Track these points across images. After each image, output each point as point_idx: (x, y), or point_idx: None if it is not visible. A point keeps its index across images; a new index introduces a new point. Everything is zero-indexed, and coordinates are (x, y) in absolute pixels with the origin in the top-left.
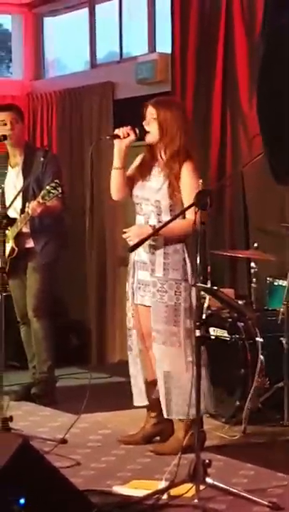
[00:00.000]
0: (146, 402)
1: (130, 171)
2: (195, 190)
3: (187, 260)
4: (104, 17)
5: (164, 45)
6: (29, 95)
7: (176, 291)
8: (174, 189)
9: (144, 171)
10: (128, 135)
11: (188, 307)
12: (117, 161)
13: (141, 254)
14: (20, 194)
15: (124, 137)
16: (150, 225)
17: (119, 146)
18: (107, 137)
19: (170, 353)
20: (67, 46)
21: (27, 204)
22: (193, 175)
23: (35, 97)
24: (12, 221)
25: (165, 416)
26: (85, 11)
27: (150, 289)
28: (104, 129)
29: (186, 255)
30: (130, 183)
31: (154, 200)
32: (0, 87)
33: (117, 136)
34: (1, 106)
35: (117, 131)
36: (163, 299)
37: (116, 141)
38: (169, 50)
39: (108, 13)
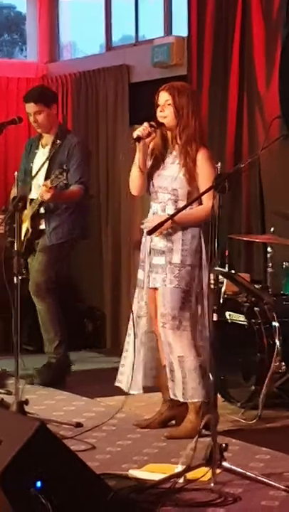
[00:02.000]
0: (141, 391)
1: (148, 165)
2: (211, 176)
3: (203, 246)
4: (120, 0)
5: (180, 28)
6: (44, 78)
7: (192, 277)
8: (190, 176)
9: (158, 160)
10: (149, 133)
11: (200, 292)
12: (141, 163)
13: (156, 243)
14: (43, 175)
15: (147, 137)
16: (168, 214)
17: (142, 148)
18: (132, 143)
19: (182, 337)
20: (82, 29)
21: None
22: (210, 162)
23: (49, 79)
24: (31, 202)
25: (181, 400)
26: None
27: (165, 276)
28: (119, 112)
29: (203, 241)
30: (150, 177)
31: (171, 188)
32: (15, 69)
33: (141, 139)
34: (25, 96)
35: (138, 133)
36: (180, 285)
37: (140, 143)
38: (185, 34)
39: None
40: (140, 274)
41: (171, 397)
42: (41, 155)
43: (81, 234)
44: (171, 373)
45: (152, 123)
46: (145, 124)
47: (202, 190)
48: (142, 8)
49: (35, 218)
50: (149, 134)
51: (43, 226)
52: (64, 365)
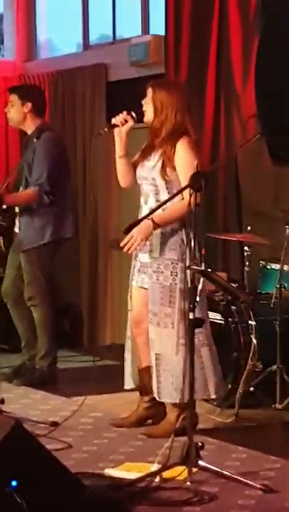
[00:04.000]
0: (133, 386)
1: (136, 156)
2: (191, 166)
3: (185, 241)
4: None
5: (158, 26)
6: (21, 76)
7: (172, 272)
8: (165, 169)
9: (146, 153)
10: (126, 121)
11: (184, 288)
12: (119, 150)
13: None
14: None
15: (123, 125)
16: (149, 208)
17: (119, 135)
18: (106, 130)
19: (162, 334)
20: (59, 28)
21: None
22: (190, 151)
23: (27, 78)
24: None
25: (157, 399)
26: None
27: (148, 271)
28: (97, 111)
29: (184, 235)
30: (136, 167)
31: (150, 178)
32: None
33: (116, 126)
34: (9, 87)
35: (114, 121)
36: (159, 279)
37: (115, 130)
38: (162, 32)
39: None
40: (131, 270)
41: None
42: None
43: (60, 235)
44: (151, 370)
45: (132, 113)
46: (124, 112)
47: (182, 181)
48: (119, 7)
49: (2, 214)
50: (125, 122)
51: (16, 229)
52: (45, 376)
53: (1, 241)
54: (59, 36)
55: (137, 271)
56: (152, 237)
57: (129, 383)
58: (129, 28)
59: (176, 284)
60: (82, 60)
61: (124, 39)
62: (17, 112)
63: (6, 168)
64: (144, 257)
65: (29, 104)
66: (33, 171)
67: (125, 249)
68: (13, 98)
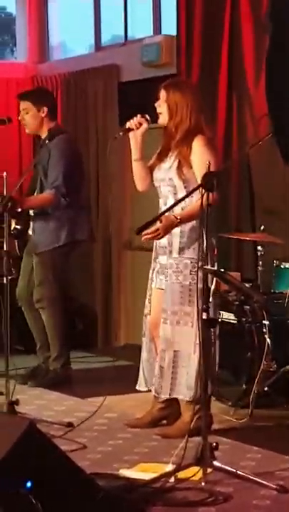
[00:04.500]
0: (145, 388)
1: (152, 159)
2: (206, 162)
3: (205, 238)
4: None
5: (170, 27)
6: (33, 78)
7: (191, 271)
8: (182, 169)
9: (162, 155)
10: (140, 124)
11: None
12: (135, 153)
13: (161, 240)
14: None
15: (138, 128)
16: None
17: (134, 138)
18: (121, 134)
19: (182, 332)
20: (71, 29)
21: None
22: (205, 149)
23: (39, 80)
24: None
25: (167, 396)
26: None
27: (167, 272)
28: (109, 112)
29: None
30: (152, 170)
31: (168, 178)
32: (4, 70)
33: (131, 129)
34: (18, 93)
35: (128, 124)
36: (178, 279)
37: (130, 134)
38: (174, 32)
39: None
40: (150, 273)
41: (153, 393)
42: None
43: (75, 237)
44: (160, 370)
45: (146, 115)
46: (138, 115)
47: (198, 178)
48: (130, 8)
49: (17, 217)
50: (139, 125)
51: (30, 231)
52: (59, 377)
53: (16, 244)
54: (71, 38)
55: (156, 273)
56: (172, 237)
57: (141, 384)
58: (141, 28)
59: (195, 283)
60: (95, 61)
61: (136, 40)
62: (33, 118)
63: (19, 171)
64: (163, 259)
65: (45, 109)
66: (49, 174)
67: (144, 238)
68: (27, 105)
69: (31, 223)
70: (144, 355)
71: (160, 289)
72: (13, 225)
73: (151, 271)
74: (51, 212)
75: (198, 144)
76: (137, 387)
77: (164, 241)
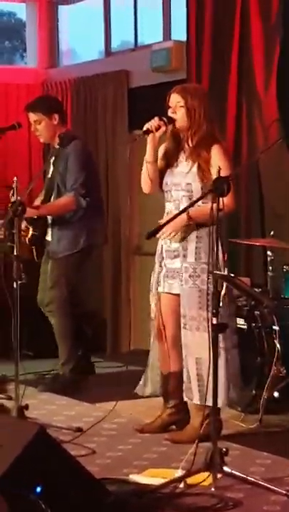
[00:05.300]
0: (147, 394)
1: (159, 162)
2: (227, 169)
3: (219, 243)
4: (119, 5)
5: (179, 32)
6: (44, 84)
7: (208, 276)
8: (203, 172)
9: (170, 159)
10: (159, 127)
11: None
12: (150, 155)
13: (170, 245)
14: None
15: (157, 130)
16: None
17: (153, 141)
18: (140, 136)
19: (202, 338)
20: (81, 35)
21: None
22: (225, 157)
23: (49, 85)
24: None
25: (198, 403)
26: None
27: (181, 277)
28: (119, 117)
29: (218, 238)
30: (159, 174)
31: (184, 183)
32: (14, 75)
33: (150, 132)
34: (26, 105)
35: (148, 126)
36: (196, 283)
37: (149, 136)
38: (184, 38)
39: (123, 1)
40: (152, 278)
41: (184, 399)
42: (50, 165)
43: (92, 241)
44: (188, 375)
45: (163, 118)
46: (156, 118)
47: None
48: (140, 14)
49: (34, 224)
50: (158, 128)
51: (49, 237)
52: (67, 382)
53: (34, 251)
54: (81, 43)
55: (163, 276)
56: (187, 242)
57: (141, 390)
58: (151, 34)
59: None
60: (104, 67)
61: (145, 45)
62: (47, 127)
63: (29, 177)
64: (172, 263)
65: (56, 116)
66: (68, 178)
67: (158, 235)
68: (38, 116)
69: (49, 229)
70: (152, 360)
71: (169, 293)
72: (30, 232)
73: (155, 275)
74: (70, 218)
75: (219, 151)
76: (136, 391)
77: (174, 245)
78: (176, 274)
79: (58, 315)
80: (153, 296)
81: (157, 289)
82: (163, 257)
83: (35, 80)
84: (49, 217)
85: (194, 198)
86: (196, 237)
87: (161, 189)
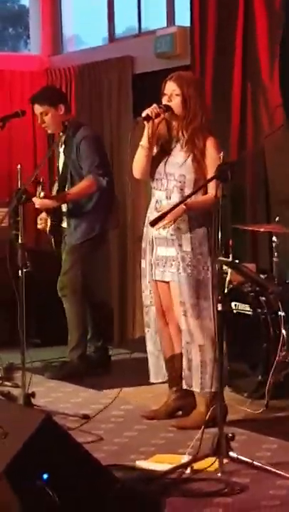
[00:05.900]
0: (164, 379)
1: (155, 151)
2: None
3: (211, 234)
4: None
5: (183, 18)
6: (47, 71)
7: (203, 266)
8: (198, 163)
9: (164, 148)
10: (158, 114)
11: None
12: (145, 141)
13: (160, 231)
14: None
15: (156, 117)
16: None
17: (152, 128)
18: (139, 119)
19: (203, 326)
20: (85, 21)
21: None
22: (218, 151)
23: (53, 72)
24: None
25: (197, 390)
26: None
27: (178, 265)
28: (123, 104)
29: (209, 229)
30: (152, 163)
31: (178, 174)
32: (18, 62)
33: (150, 118)
34: (30, 98)
35: (148, 113)
36: (193, 273)
37: (149, 123)
38: (188, 23)
39: None
40: (143, 264)
41: (184, 387)
42: (60, 154)
43: (106, 226)
44: (188, 362)
45: (161, 105)
46: (154, 104)
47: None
48: None
49: (52, 213)
50: (158, 115)
51: (64, 224)
52: (75, 368)
53: (52, 240)
54: (85, 30)
55: (155, 265)
56: (181, 232)
57: (162, 377)
58: (155, 20)
59: (208, 277)
60: (108, 53)
61: (149, 31)
62: (53, 118)
63: (33, 164)
64: (164, 251)
65: (62, 106)
66: (83, 164)
67: (156, 228)
68: (45, 108)
69: (64, 217)
70: (149, 348)
71: (162, 281)
72: (49, 222)
73: (144, 262)
74: (85, 204)
75: (212, 145)
76: (152, 380)
77: (163, 233)
78: (168, 262)
79: (70, 300)
80: (148, 283)
81: (152, 277)
82: (153, 245)
83: (39, 67)
84: (63, 206)
85: (186, 189)
86: (189, 227)
87: (150, 176)
